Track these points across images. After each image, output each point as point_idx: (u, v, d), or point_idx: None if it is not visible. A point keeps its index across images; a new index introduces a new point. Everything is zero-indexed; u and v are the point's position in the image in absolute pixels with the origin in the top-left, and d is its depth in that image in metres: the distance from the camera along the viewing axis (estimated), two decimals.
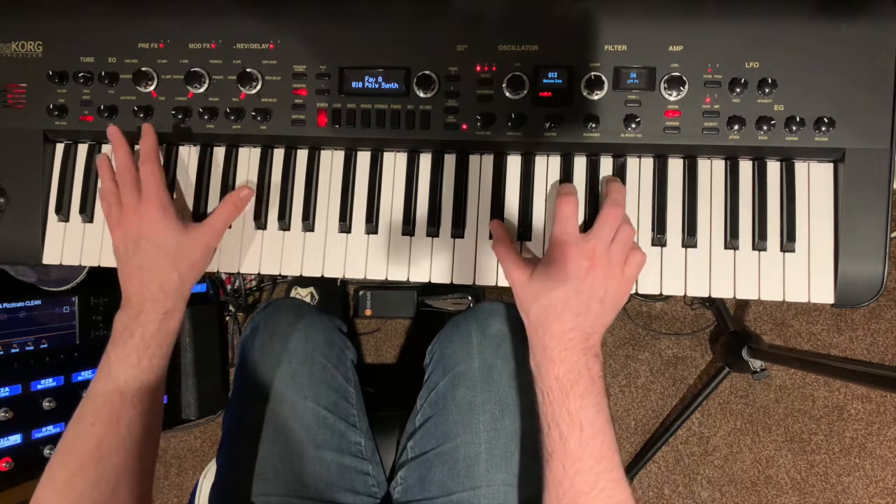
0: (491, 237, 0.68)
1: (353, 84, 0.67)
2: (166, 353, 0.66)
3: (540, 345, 0.61)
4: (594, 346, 0.60)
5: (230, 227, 0.71)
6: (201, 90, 0.69)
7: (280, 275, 0.71)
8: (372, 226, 0.70)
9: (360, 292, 1.36)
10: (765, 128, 0.63)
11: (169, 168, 0.73)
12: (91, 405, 0.61)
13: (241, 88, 0.69)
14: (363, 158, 0.71)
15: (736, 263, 0.65)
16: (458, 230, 0.69)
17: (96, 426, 0.60)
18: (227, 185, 0.72)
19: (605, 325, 0.61)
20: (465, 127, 0.67)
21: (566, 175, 0.68)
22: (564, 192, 0.65)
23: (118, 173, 0.69)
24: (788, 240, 0.64)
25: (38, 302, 1.01)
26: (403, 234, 0.69)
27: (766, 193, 0.65)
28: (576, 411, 0.58)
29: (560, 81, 0.65)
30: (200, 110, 0.69)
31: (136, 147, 0.70)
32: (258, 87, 0.69)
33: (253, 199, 0.71)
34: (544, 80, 0.65)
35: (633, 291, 0.64)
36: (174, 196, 0.72)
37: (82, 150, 0.75)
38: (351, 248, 0.70)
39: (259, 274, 0.71)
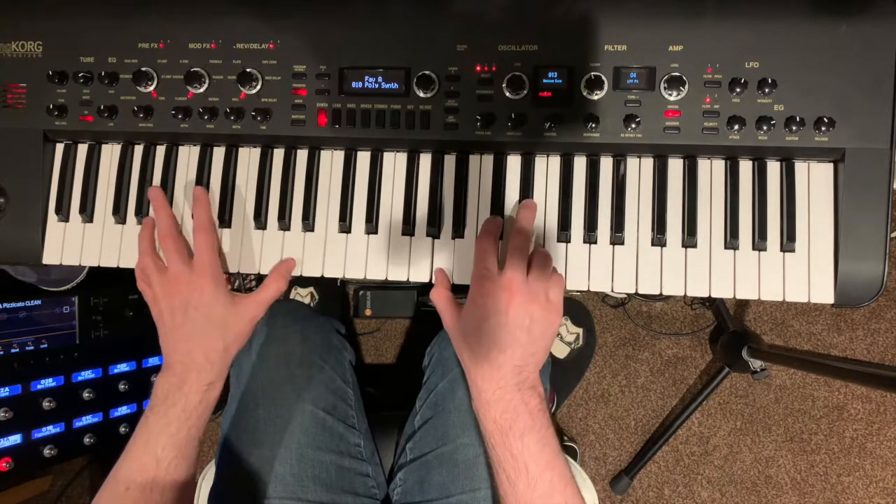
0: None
1: (353, 84, 0.67)
2: (205, 422, 0.65)
3: (474, 388, 0.60)
4: (528, 378, 0.59)
5: (230, 226, 0.71)
6: (201, 90, 0.69)
7: None
8: (372, 226, 0.70)
9: (360, 292, 1.36)
10: (765, 128, 0.63)
11: (169, 168, 0.73)
12: (126, 469, 0.61)
13: (241, 88, 0.69)
14: (363, 158, 0.71)
15: (736, 263, 0.65)
16: (458, 230, 0.69)
17: (131, 491, 0.60)
18: (227, 186, 0.72)
19: (535, 354, 0.60)
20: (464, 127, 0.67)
21: (566, 175, 0.68)
22: (483, 229, 0.65)
23: (162, 239, 0.68)
24: (788, 240, 0.64)
25: (38, 302, 1.01)
26: (403, 234, 0.69)
27: (766, 193, 0.65)
28: (519, 452, 0.57)
29: (560, 81, 0.65)
30: (200, 110, 0.69)
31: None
32: (258, 87, 0.69)
33: (254, 201, 0.71)
34: (544, 80, 0.65)
35: (563, 318, 0.63)
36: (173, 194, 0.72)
37: (82, 150, 0.75)
38: (351, 248, 0.70)
39: (259, 274, 0.71)
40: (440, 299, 0.67)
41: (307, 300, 1.35)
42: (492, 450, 0.60)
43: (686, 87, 0.63)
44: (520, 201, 0.68)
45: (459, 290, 0.68)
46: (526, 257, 0.62)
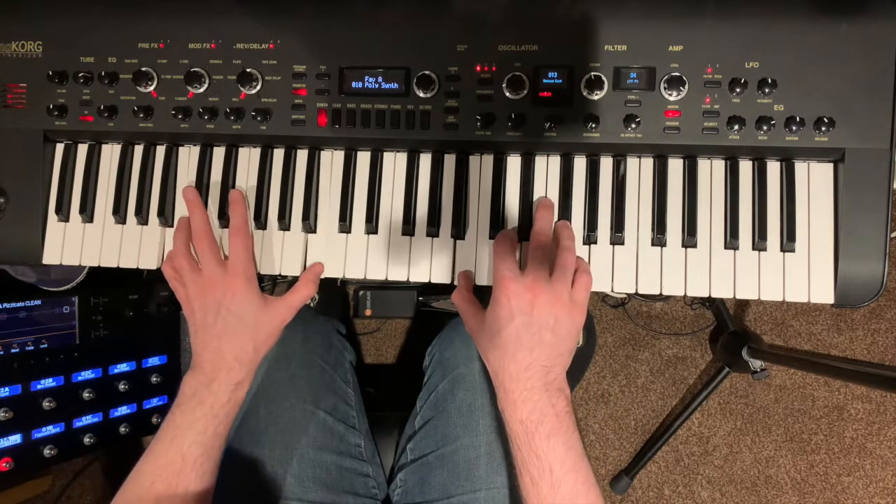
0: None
1: (353, 84, 0.67)
2: (231, 421, 0.66)
3: (502, 389, 0.60)
4: (556, 380, 0.59)
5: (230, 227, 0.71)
6: (201, 90, 0.69)
7: (280, 275, 0.71)
8: (372, 226, 0.70)
9: (360, 292, 1.36)
10: (765, 128, 0.63)
11: (169, 168, 0.73)
12: (152, 464, 0.62)
13: (241, 88, 0.69)
14: (363, 158, 0.71)
15: (736, 263, 0.65)
16: (458, 230, 0.69)
17: (156, 485, 0.60)
18: (228, 186, 0.72)
19: (562, 354, 0.60)
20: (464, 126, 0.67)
21: (566, 175, 0.68)
22: (500, 232, 0.65)
23: (196, 239, 0.67)
24: (788, 240, 0.64)
25: (38, 302, 1.01)
26: (403, 234, 0.69)
27: (766, 193, 0.65)
28: (544, 454, 0.57)
29: (560, 81, 0.65)
30: (200, 110, 0.69)
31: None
32: (258, 87, 0.69)
33: (254, 201, 0.71)
34: (544, 80, 0.65)
35: (585, 316, 0.62)
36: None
37: (82, 150, 0.74)
38: (351, 248, 0.70)
39: (259, 274, 0.71)
40: (461, 301, 0.66)
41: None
42: (516, 450, 0.59)
43: (686, 87, 0.63)
44: (520, 201, 0.68)
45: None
46: (547, 257, 0.62)
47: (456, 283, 0.68)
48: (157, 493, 0.60)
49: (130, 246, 0.73)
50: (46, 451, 1.02)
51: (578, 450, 0.58)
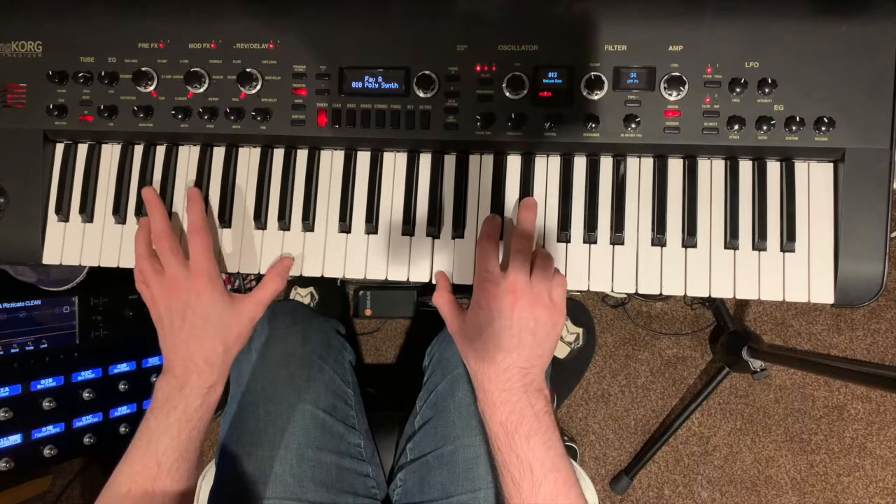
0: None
1: (353, 84, 0.67)
2: (206, 424, 0.65)
3: (481, 391, 0.60)
4: (534, 380, 0.59)
5: (230, 226, 0.71)
6: (201, 90, 0.69)
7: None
8: (372, 226, 0.70)
9: (360, 292, 1.36)
10: (765, 128, 0.63)
11: (169, 168, 0.73)
12: (128, 471, 0.61)
13: (241, 88, 0.69)
14: (363, 158, 0.71)
15: (736, 263, 0.65)
16: (458, 230, 0.69)
17: (132, 492, 0.60)
18: (227, 186, 0.72)
19: (541, 356, 0.60)
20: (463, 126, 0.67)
21: (566, 175, 0.68)
22: (483, 231, 0.66)
23: (156, 240, 0.67)
24: (788, 240, 0.64)
25: (38, 302, 1.01)
26: (403, 234, 0.69)
27: (766, 193, 0.65)
28: (524, 454, 0.57)
29: (560, 81, 0.65)
30: (200, 110, 0.69)
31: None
32: (258, 87, 0.69)
33: (254, 201, 0.71)
34: (544, 80, 0.65)
35: (566, 319, 0.62)
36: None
37: (82, 150, 0.74)
38: (351, 248, 0.70)
39: (259, 274, 0.71)
40: (443, 303, 0.67)
41: (307, 300, 1.35)
42: (497, 451, 0.60)
43: (686, 87, 0.63)
44: (520, 201, 0.68)
45: (460, 291, 0.68)
46: (528, 259, 0.62)
47: (434, 282, 0.68)
48: (134, 499, 0.60)
49: (130, 246, 0.72)
50: (46, 451, 1.02)
51: (558, 449, 0.58)
